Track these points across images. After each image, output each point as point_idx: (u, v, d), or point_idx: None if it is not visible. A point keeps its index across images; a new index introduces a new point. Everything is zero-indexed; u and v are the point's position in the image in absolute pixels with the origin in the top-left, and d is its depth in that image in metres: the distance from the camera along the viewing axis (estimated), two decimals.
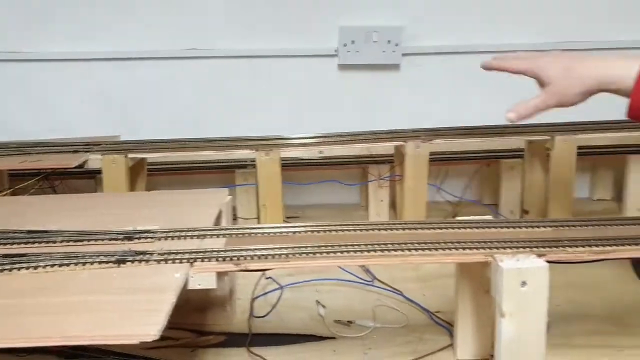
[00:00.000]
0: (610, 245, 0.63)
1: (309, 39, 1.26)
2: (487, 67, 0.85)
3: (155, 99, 1.29)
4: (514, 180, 1.21)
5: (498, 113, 1.21)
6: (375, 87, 1.29)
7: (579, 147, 1.07)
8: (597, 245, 0.63)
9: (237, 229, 0.71)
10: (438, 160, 1.21)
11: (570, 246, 0.63)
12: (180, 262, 0.61)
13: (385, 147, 1.14)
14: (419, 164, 1.06)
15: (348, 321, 0.82)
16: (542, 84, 0.75)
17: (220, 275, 0.62)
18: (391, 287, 0.91)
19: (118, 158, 1.03)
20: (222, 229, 0.70)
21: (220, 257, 0.62)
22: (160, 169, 1.21)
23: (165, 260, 0.61)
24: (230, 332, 0.81)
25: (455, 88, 1.28)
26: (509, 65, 0.80)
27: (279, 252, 0.63)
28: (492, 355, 0.68)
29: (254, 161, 1.09)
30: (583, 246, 0.63)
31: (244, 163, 1.22)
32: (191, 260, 0.61)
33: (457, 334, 0.72)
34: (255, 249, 0.64)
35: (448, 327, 0.78)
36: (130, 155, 1.05)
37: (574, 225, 0.70)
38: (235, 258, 0.62)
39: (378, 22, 1.25)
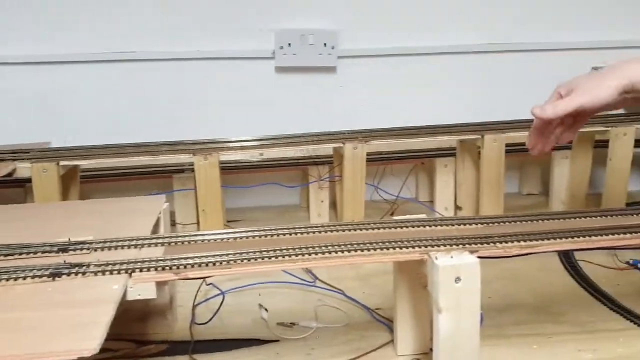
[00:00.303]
0: (537, 240, 0.66)
1: (245, 41, 1.26)
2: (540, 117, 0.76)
3: (87, 104, 1.25)
4: (447, 178, 1.25)
5: (431, 113, 1.26)
6: (312, 89, 1.30)
7: (508, 145, 1.12)
8: (525, 240, 0.66)
9: (176, 236, 0.70)
10: (375, 160, 1.24)
11: (500, 242, 0.66)
12: (119, 273, 0.60)
13: (324, 149, 1.15)
14: (357, 164, 1.08)
15: (291, 323, 0.83)
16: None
17: (160, 284, 0.62)
18: (332, 286, 0.92)
19: (49, 166, 0.99)
20: (161, 237, 0.70)
21: (159, 266, 0.61)
22: (94, 176, 1.18)
23: (103, 272, 0.60)
24: (172, 340, 0.80)
25: (390, 89, 1.31)
26: (560, 107, 0.73)
27: (219, 259, 0.63)
28: (431, 349, 0.71)
29: (191, 165, 1.07)
30: (512, 241, 0.66)
31: (181, 167, 1.21)
32: (129, 271, 0.60)
33: (397, 330, 0.74)
34: (195, 257, 0.63)
35: (388, 324, 0.80)
36: (62, 163, 1.02)
37: (503, 222, 0.73)
38: (175, 267, 0.62)
39: (314, 25, 1.26)
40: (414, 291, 0.72)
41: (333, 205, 1.24)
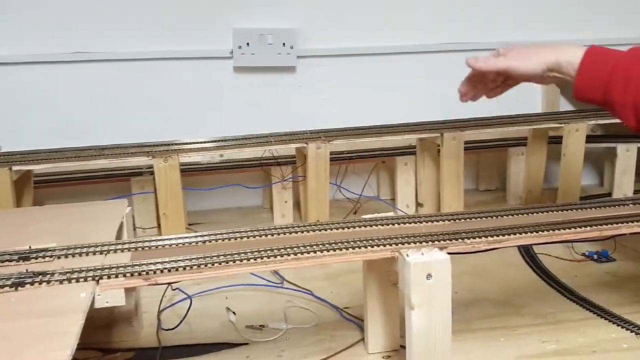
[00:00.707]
0: (503, 235, 0.68)
1: (202, 40, 1.24)
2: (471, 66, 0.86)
3: (39, 106, 1.20)
4: (408, 176, 1.27)
5: (391, 112, 1.28)
6: (272, 89, 1.29)
7: (466, 142, 1.15)
8: (492, 236, 0.68)
9: (143, 241, 0.68)
10: (337, 159, 1.24)
11: (468, 238, 0.67)
12: (85, 281, 0.58)
13: (286, 149, 1.15)
14: (321, 164, 1.08)
15: (260, 325, 0.82)
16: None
17: (128, 291, 0.60)
18: (300, 287, 0.92)
19: (1, 171, 0.95)
20: (127, 243, 0.68)
21: (127, 272, 0.60)
22: (49, 180, 1.14)
23: (68, 280, 0.58)
24: (139, 347, 0.78)
25: (350, 89, 1.32)
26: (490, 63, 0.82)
27: (189, 264, 0.62)
28: (402, 346, 0.72)
29: (150, 168, 1.05)
30: (480, 237, 0.68)
31: (139, 170, 1.18)
32: (96, 278, 0.58)
33: (367, 328, 0.74)
34: (164, 262, 0.62)
35: (358, 322, 0.81)
36: (15, 168, 0.98)
37: (469, 218, 0.74)
38: (144, 272, 0.60)
39: (272, 25, 1.25)
40: (383, 289, 0.72)
41: (297, 205, 1.23)
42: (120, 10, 1.20)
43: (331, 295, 0.89)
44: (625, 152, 1.27)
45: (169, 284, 0.62)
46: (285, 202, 1.22)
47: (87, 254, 0.65)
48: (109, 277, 0.59)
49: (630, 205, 0.76)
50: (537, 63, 0.78)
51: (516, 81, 0.84)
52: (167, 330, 0.81)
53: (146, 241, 0.68)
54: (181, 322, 0.81)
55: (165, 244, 0.68)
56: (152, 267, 0.61)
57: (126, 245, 0.67)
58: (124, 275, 0.59)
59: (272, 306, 0.87)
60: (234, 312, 0.84)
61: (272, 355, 0.75)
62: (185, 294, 0.87)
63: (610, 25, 1.39)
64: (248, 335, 0.80)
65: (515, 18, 1.35)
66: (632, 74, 0.71)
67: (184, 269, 0.61)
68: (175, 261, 0.62)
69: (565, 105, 1.36)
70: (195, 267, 0.61)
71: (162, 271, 0.60)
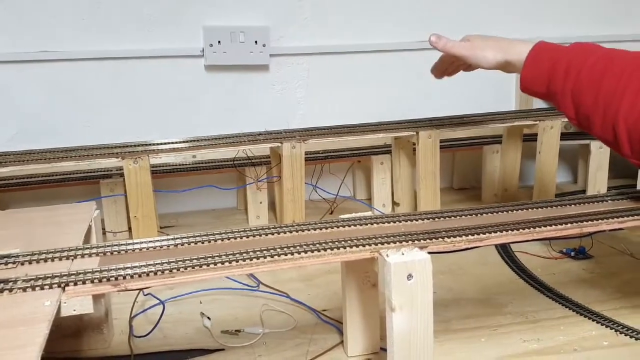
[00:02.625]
0: (483, 233, 0.67)
1: (172, 39, 1.21)
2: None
3: (2, 107, 1.16)
4: (384, 175, 1.26)
5: (366, 111, 1.26)
6: (244, 88, 1.26)
7: (441, 141, 1.14)
8: (472, 234, 0.67)
9: (112, 245, 0.65)
10: (312, 159, 1.22)
11: (448, 236, 0.66)
12: (50, 288, 0.55)
13: (260, 149, 1.13)
14: (296, 164, 1.06)
15: (236, 330, 0.79)
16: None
17: (96, 298, 0.57)
18: (276, 290, 0.90)
19: None
20: (95, 247, 0.64)
21: (95, 278, 0.57)
22: (13, 184, 1.09)
23: (32, 287, 0.54)
24: (109, 355, 0.75)
25: (325, 88, 1.30)
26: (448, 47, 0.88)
27: (161, 268, 0.59)
28: (382, 349, 0.70)
29: (120, 170, 1.02)
30: (460, 236, 0.66)
31: (109, 172, 1.14)
32: (62, 285, 0.55)
33: (347, 330, 0.73)
34: (135, 267, 0.59)
35: (336, 325, 0.79)
36: None
37: (448, 217, 0.73)
38: (113, 278, 0.57)
39: (244, 22, 1.23)
40: (362, 290, 0.70)
41: (272, 206, 1.21)
42: (87, 8, 1.16)
43: (308, 298, 0.87)
44: (598, 149, 1.28)
45: (140, 289, 0.59)
46: (260, 203, 1.20)
47: (52, 259, 0.61)
48: (75, 284, 0.56)
49: (609, 201, 0.76)
50: (487, 61, 0.83)
51: (472, 67, 0.89)
52: (139, 337, 0.78)
53: (115, 245, 0.65)
54: (153, 328, 0.79)
55: (136, 248, 0.65)
56: (122, 272, 0.58)
57: (94, 250, 0.63)
58: (92, 282, 0.56)
59: (248, 310, 0.85)
60: (208, 317, 0.82)
61: None
62: (158, 299, 0.84)
63: (596, 22, 1.41)
64: (223, 340, 0.77)
65: (492, 16, 1.35)
66: (572, 64, 0.73)
67: (155, 273, 0.58)
68: (146, 266, 0.59)
69: (539, 103, 1.36)
70: (167, 271, 0.59)
71: (132, 276, 0.57)
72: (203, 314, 0.83)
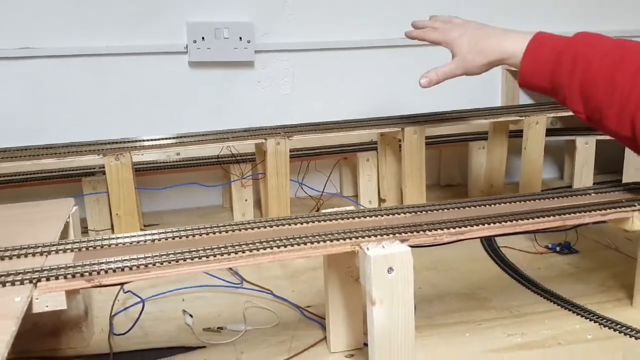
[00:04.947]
0: (465, 226, 0.66)
1: (156, 35, 1.20)
2: (409, 37, 0.92)
3: None
4: (370, 171, 1.25)
5: (352, 107, 1.26)
6: (229, 84, 1.25)
7: (427, 137, 1.13)
8: (453, 227, 0.66)
9: (87, 241, 0.64)
10: (298, 156, 1.21)
11: (429, 230, 0.65)
12: (22, 284, 0.54)
13: (245, 146, 1.11)
14: (281, 160, 1.05)
15: (218, 327, 0.78)
16: (452, 54, 0.83)
17: (70, 293, 0.56)
18: (260, 287, 0.89)
19: None
20: (70, 243, 0.63)
21: (68, 273, 0.55)
22: None
23: (3, 283, 0.53)
24: (88, 354, 0.74)
25: (311, 84, 1.29)
26: (427, 37, 0.87)
27: (137, 263, 0.58)
28: (365, 344, 0.69)
29: (103, 167, 1.00)
30: (441, 229, 0.66)
31: (91, 170, 1.13)
32: (34, 280, 0.54)
33: (330, 326, 0.72)
34: (110, 262, 0.58)
35: (320, 321, 0.78)
36: None
37: (430, 210, 0.72)
38: (87, 273, 0.56)
39: (228, 19, 1.22)
40: (345, 285, 0.70)
41: (257, 204, 1.20)
42: (69, 4, 1.14)
43: (292, 295, 0.87)
44: (584, 145, 1.28)
45: (117, 285, 0.58)
46: (246, 200, 1.19)
47: (25, 255, 0.60)
48: (48, 279, 0.54)
49: (592, 194, 0.75)
50: (481, 69, 0.81)
51: None
52: (118, 335, 0.77)
53: (91, 241, 0.64)
54: (133, 326, 0.77)
55: (112, 244, 0.64)
56: (96, 267, 0.57)
57: (69, 246, 0.62)
58: (65, 277, 0.55)
59: (231, 307, 0.84)
60: (190, 315, 0.81)
61: (230, 357, 0.72)
62: (138, 296, 0.83)
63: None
64: (205, 338, 0.76)
65: (477, 10, 1.34)
66: (578, 56, 0.69)
67: (131, 269, 0.57)
68: (122, 261, 0.58)
69: (525, 99, 1.36)
70: (142, 266, 0.57)
71: (106, 271, 0.56)
72: (185, 311, 0.82)
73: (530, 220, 0.68)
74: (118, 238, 0.65)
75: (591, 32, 0.72)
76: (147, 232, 0.67)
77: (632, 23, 1.43)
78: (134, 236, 0.66)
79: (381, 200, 1.23)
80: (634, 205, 0.69)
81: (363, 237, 0.64)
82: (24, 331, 0.60)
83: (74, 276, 0.55)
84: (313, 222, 0.70)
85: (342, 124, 1.13)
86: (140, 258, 0.59)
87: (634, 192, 0.74)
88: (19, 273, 0.55)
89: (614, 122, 0.67)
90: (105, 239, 0.64)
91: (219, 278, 0.89)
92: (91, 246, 0.63)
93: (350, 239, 0.63)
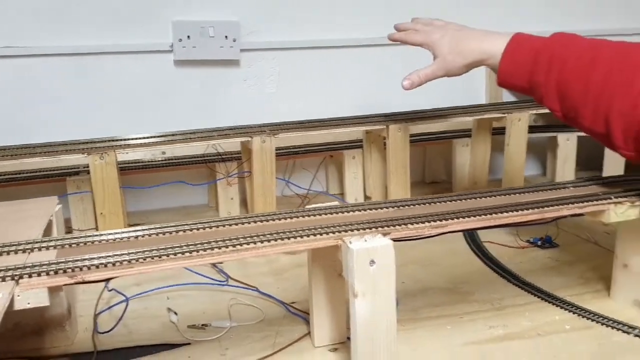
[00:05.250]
0: (447, 220, 0.67)
1: (141, 34, 1.20)
2: (392, 39, 0.93)
3: None
4: (356, 169, 1.26)
5: (338, 106, 1.26)
6: (215, 83, 1.26)
7: (412, 135, 1.14)
8: (435, 221, 0.67)
9: (70, 238, 0.64)
10: (284, 154, 1.22)
11: (411, 223, 0.66)
12: (3, 280, 0.54)
13: (231, 144, 1.12)
14: (266, 158, 1.06)
15: (203, 325, 0.79)
16: (433, 56, 0.84)
17: (53, 290, 0.56)
18: (245, 284, 0.89)
19: None
20: (53, 240, 0.63)
21: (51, 270, 0.55)
22: None
23: None
24: (72, 352, 0.73)
25: (297, 83, 1.30)
26: (409, 39, 0.89)
27: (119, 259, 0.58)
28: (349, 338, 0.70)
29: (88, 167, 1.00)
30: (423, 222, 0.67)
31: (76, 169, 1.13)
32: (16, 277, 0.54)
33: (314, 321, 0.72)
34: (92, 258, 0.58)
35: (305, 317, 0.79)
36: None
37: (413, 204, 0.73)
38: (70, 270, 0.56)
39: (214, 17, 1.22)
40: (329, 280, 0.70)
41: (244, 202, 1.20)
42: (52, 2, 1.14)
43: (278, 291, 0.87)
44: (565, 142, 1.29)
45: (100, 281, 0.58)
46: (232, 199, 1.19)
47: (7, 253, 0.60)
48: (30, 276, 0.54)
49: (571, 188, 0.77)
50: (461, 70, 0.83)
51: None
52: (102, 333, 0.77)
53: (74, 238, 0.64)
54: (117, 324, 0.78)
55: (95, 240, 0.64)
56: (79, 263, 0.57)
57: (52, 243, 0.62)
58: (47, 274, 0.55)
59: (216, 305, 0.84)
60: (175, 312, 0.81)
61: (215, 354, 0.72)
62: (123, 294, 0.83)
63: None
64: (190, 335, 0.77)
65: (461, 8, 1.35)
66: (555, 56, 0.71)
67: (114, 265, 0.57)
68: (104, 257, 0.58)
69: (508, 96, 1.38)
70: (125, 262, 0.58)
71: (89, 268, 0.56)
72: (170, 309, 0.82)
73: (510, 213, 0.69)
74: (101, 235, 0.65)
75: (567, 33, 0.73)
76: (130, 229, 0.67)
77: (616, 22, 1.45)
78: (117, 233, 0.66)
79: (367, 197, 1.24)
80: (610, 198, 0.71)
81: (346, 231, 0.64)
82: (5, 330, 0.61)
83: (56, 272, 0.55)
84: (297, 217, 0.71)
85: (328, 122, 1.14)
86: (123, 254, 0.59)
87: (611, 186, 0.76)
88: (1, 270, 0.55)
89: (588, 120, 0.69)
90: (88, 236, 0.64)
91: (204, 276, 0.90)
92: (74, 243, 0.63)
93: (334, 233, 0.64)
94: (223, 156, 1.17)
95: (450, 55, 0.82)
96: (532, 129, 1.23)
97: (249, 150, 1.08)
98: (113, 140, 1.03)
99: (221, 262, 0.93)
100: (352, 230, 0.64)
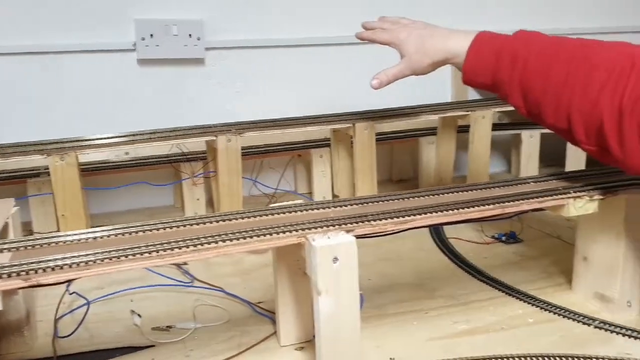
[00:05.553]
0: (410, 216, 0.67)
1: (103, 32, 1.17)
2: (359, 38, 0.93)
3: None
4: (324, 168, 1.26)
5: (304, 105, 1.26)
6: (179, 82, 1.24)
7: (378, 134, 1.15)
8: (398, 217, 0.67)
9: (25, 240, 0.62)
10: (251, 154, 1.21)
11: (375, 220, 0.66)
12: None
13: (196, 143, 1.10)
14: (232, 157, 1.05)
15: (167, 326, 0.78)
16: (400, 55, 0.85)
17: (7, 294, 0.54)
18: (211, 285, 0.88)
19: None
20: (7, 242, 0.61)
21: (4, 273, 0.54)
22: None
23: None
24: (31, 358, 0.71)
25: (264, 81, 1.29)
26: (377, 38, 0.89)
27: (77, 261, 0.57)
28: (315, 337, 0.70)
29: (47, 168, 0.98)
30: (386, 219, 0.67)
31: (36, 171, 1.10)
32: None
33: (279, 320, 0.72)
34: (49, 260, 0.57)
35: (271, 316, 0.78)
36: None
37: (377, 201, 0.73)
38: (24, 272, 0.54)
39: (177, 15, 1.20)
40: (294, 279, 0.70)
41: (210, 203, 1.19)
42: (12, 0, 1.11)
43: (244, 291, 0.86)
44: (529, 139, 1.32)
45: (56, 284, 0.56)
46: (197, 199, 1.18)
47: None
48: None
49: (532, 183, 0.78)
50: (427, 69, 0.83)
51: None
52: (63, 337, 0.75)
53: (30, 240, 0.62)
54: (77, 327, 0.76)
55: (52, 242, 0.62)
56: (34, 266, 0.55)
57: (6, 245, 0.60)
58: (0, 277, 0.53)
59: (180, 306, 0.83)
60: (139, 315, 0.79)
61: (180, 355, 0.71)
62: (84, 298, 0.81)
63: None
64: (154, 337, 0.75)
65: (429, 8, 1.36)
66: (517, 53, 0.72)
67: (71, 266, 0.56)
68: (61, 259, 0.57)
69: (474, 95, 1.39)
70: (83, 264, 0.56)
71: (45, 270, 0.55)
72: (133, 311, 0.80)
73: (472, 208, 0.70)
74: (59, 236, 0.63)
75: (530, 30, 0.74)
76: (88, 230, 0.65)
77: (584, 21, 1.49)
78: (76, 234, 0.64)
79: (335, 196, 1.24)
80: (569, 193, 0.72)
81: (309, 228, 0.64)
82: None
83: (9, 276, 0.54)
84: (261, 216, 0.70)
85: (294, 121, 1.13)
86: (81, 255, 0.58)
87: (571, 181, 0.77)
88: None
89: (551, 116, 0.70)
90: (45, 238, 0.63)
91: (169, 277, 0.88)
92: (30, 245, 0.61)
93: (297, 230, 0.64)
94: (188, 156, 1.16)
95: (417, 55, 0.82)
96: (496, 126, 1.25)
97: (214, 150, 1.07)
98: (74, 141, 1.01)
99: (184, 263, 0.93)
100: (315, 228, 0.64)
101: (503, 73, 0.73)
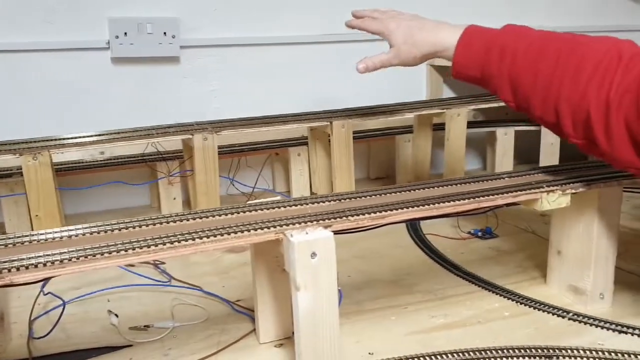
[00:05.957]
0: (386, 211, 0.68)
1: (76, 31, 1.16)
2: (349, 26, 0.93)
3: None
4: (302, 166, 1.26)
5: (282, 103, 1.26)
6: (154, 80, 1.23)
7: (355, 132, 1.15)
8: (375, 212, 0.68)
9: None
10: (229, 152, 1.21)
11: (352, 215, 0.67)
12: None
13: (172, 142, 1.10)
14: (208, 155, 1.04)
15: (145, 326, 0.77)
16: (389, 45, 0.85)
17: None
18: (189, 284, 0.87)
19: None
20: None
21: None
22: None
23: None
24: None
25: (239, 80, 1.29)
26: (366, 27, 0.89)
27: (51, 259, 0.56)
28: (294, 333, 0.70)
29: (20, 168, 0.96)
30: (364, 214, 0.67)
31: (9, 172, 1.08)
32: None
33: (258, 318, 0.72)
34: (22, 259, 0.56)
35: (250, 314, 0.78)
36: None
37: (355, 197, 0.74)
38: None
39: (151, 13, 1.19)
40: (273, 276, 0.70)
41: (187, 202, 1.18)
42: None
43: (223, 290, 0.86)
44: (503, 136, 1.33)
45: (30, 283, 0.55)
46: (174, 199, 1.17)
47: None
48: None
49: (506, 178, 0.79)
50: (415, 61, 0.83)
51: None
52: (38, 338, 0.74)
53: (2, 239, 0.61)
54: (53, 328, 0.75)
55: (25, 241, 0.61)
56: (7, 265, 0.54)
57: None
58: None
59: (158, 305, 0.82)
60: (116, 315, 0.79)
61: (158, 354, 0.71)
62: (60, 298, 0.80)
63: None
64: (132, 336, 0.75)
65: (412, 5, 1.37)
66: (506, 47, 0.72)
67: (45, 265, 0.55)
68: (35, 258, 0.56)
69: (448, 93, 1.41)
70: (57, 262, 0.55)
71: (18, 269, 0.54)
72: (110, 311, 0.80)
73: (447, 203, 0.70)
74: (32, 235, 0.62)
75: (519, 25, 0.75)
76: (63, 228, 0.64)
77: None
78: (50, 232, 0.63)
79: (313, 194, 1.24)
80: (542, 187, 0.73)
81: (287, 224, 0.64)
82: None
83: None
84: (238, 213, 0.70)
85: (271, 119, 1.13)
86: (55, 254, 0.57)
87: (544, 175, 0.78)
88: None
89: (539, 109, 0.70)
90: (17, 237, 0.62)
91: (146, 277, 0.87)
92: (2, 244, 0.60)
93: (275, 227, 0.64)
94: (164, 155, 1.15)
95: (405, 46, 0.82)
96: (471, 124, 1.26)
97: (190, 149, 1.06)
98: (47, 140, 0.99)
99: (161, 262, 0.92)
100: (293, 224, 0.64)
101: (492, 67, 0.73)
